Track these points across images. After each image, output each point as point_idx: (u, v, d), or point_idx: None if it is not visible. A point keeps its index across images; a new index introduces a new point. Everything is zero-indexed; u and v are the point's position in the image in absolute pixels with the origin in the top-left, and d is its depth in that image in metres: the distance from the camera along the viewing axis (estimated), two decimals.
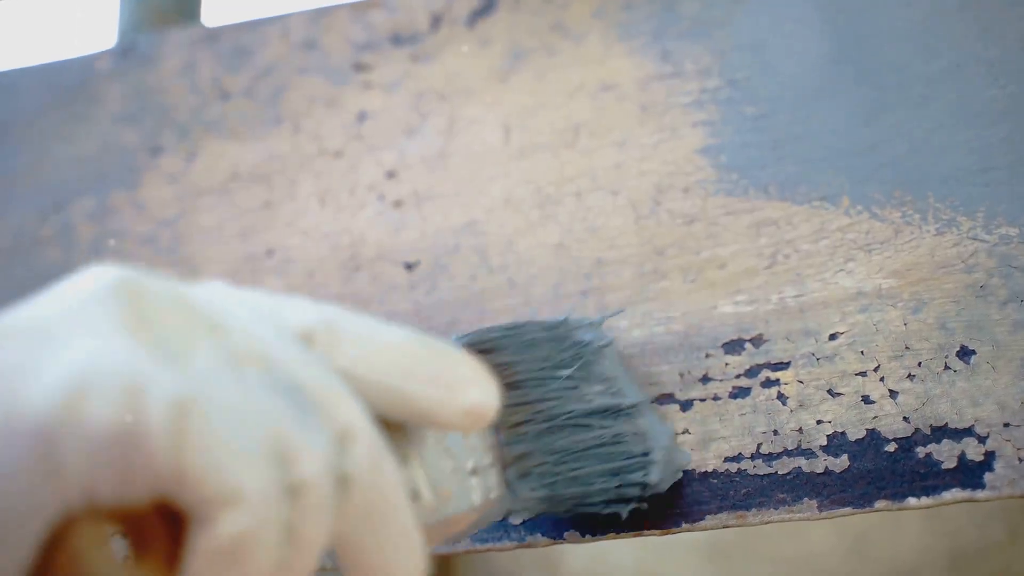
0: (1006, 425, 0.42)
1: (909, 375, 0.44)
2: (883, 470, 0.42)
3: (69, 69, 0.63)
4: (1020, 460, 0.41)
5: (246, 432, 0.26)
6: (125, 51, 0.62)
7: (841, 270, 0.46)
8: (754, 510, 0.43)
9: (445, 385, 0.31)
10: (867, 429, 0.43)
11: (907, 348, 0.44)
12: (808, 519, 0.42)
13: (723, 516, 0.43)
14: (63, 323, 0.26)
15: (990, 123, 0.47)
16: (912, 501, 0.42)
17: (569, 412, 0.41)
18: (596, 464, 0.41)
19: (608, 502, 0.42)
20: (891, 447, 0.43)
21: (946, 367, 0.43)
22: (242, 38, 0.60)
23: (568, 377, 0.42)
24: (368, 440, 0.28)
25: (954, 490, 0.41)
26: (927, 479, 0.42)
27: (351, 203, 0.55)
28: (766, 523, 0.43)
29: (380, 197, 0.54)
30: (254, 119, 0.58)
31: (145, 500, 0.26)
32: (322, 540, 0.27)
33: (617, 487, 0.41)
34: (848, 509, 0.42)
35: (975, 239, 0.45)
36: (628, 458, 0.42)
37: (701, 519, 0.44)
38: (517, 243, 0.51)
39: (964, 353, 0.43)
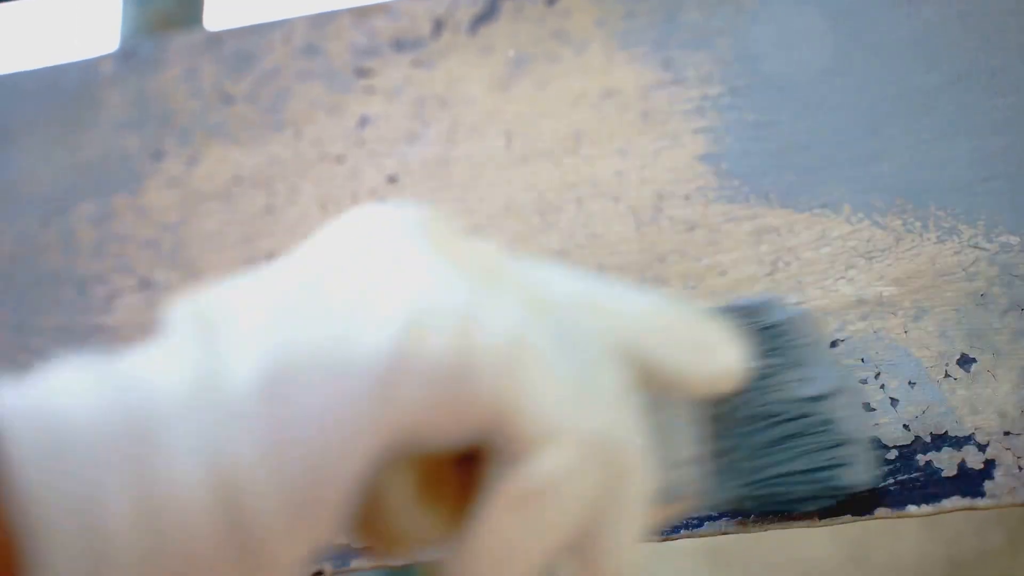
0: (1006, 433, 0.42)
1: (909, 383, 0.44)
2: (883, 477, 0.42)
3: (71, 73, 0.63)
4: (1020, 468, 0.41)
5: (562, 378, 0.26)
6: (127, 55, 0.62)
7: (842, 277, 0.47)
8: (753, 517, 0.43)
9: (697, 348, 0.30)
10: (867, 437, 0.43)
11: (907, 356, 0.44)
12: (807, 526, 0.42)
13: (722, 523, 0.43)
14: (386, 256, 0.26)
15: (991, 132, 0.47)
16: (912, 509, 0.42)
17: (771, 402, 0.38)
18: (796, 461, 0.39)
19: (803, 500, 0.40)
20: (891, 454, 0.43)
21: (946, 375, 0.43)
22: (244, 43, 0.60)
23: (773, 364, 0.39)
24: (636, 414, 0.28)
25: (954, 498, 0.41)
26: (927, 487, 0.42)
27: (352, 208, 0.55)
28: (765, 530, 0.43)
29: (381, 202, 0.54)
30: (256, 124, 0.58)
31: (457, 442, 0.26)
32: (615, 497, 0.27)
33: (816, 485, 0.39)
34: (848, 516, 0.42)
35: (976, 247, 0.45)
36: (828, 452, 0.39)
37: (700, 526, 0.44)
38: (518, 249, 0.51)
39: (964, 361, 0.44)
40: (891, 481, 0.42)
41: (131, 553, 0.23)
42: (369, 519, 0.27)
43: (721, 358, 0.31)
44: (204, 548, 0.23)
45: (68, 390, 0.24)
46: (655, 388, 0.30)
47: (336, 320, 0.25)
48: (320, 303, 0.25)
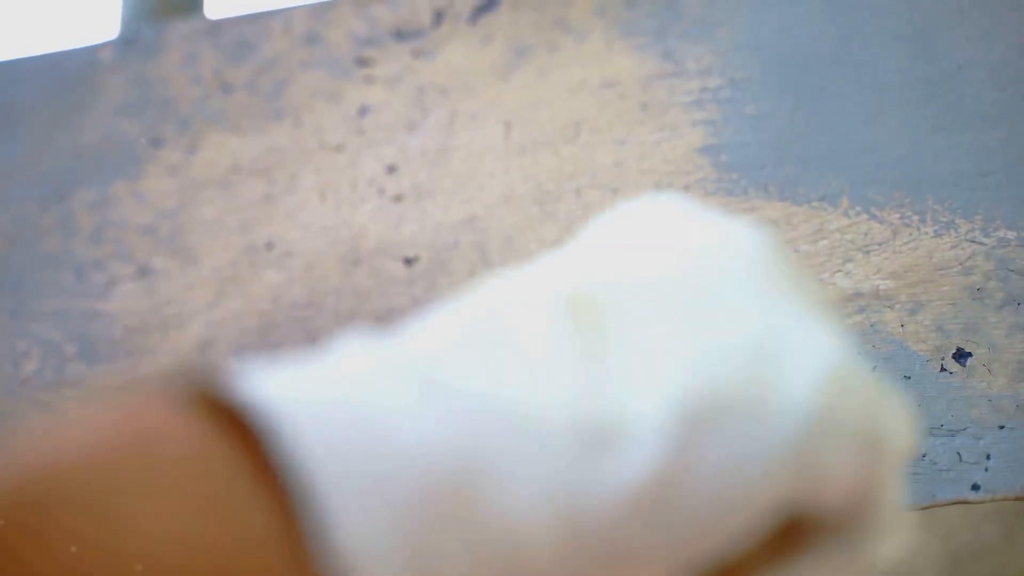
0: (1001, 427, 0.42)
1: (905, 376, 0.44)
2: None
3: (71, 59, 0.63)
4: (1014, 462, 0.41)
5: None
6: (127, 42, 0.62)
7: (839, 271, 0.47)
8: None
9: (902, 423, 0.26)
10: None
11: (904, 349, 0.44)
12: None
13: None
14: (777, 297, 0.23)
15: (990, 126, 0.47)
16: (908, 502, 0.42)
17: None
18: None
19: None
20: None
21: (942, 369, 0.44)
22: (245, 31, 0.60)
23: None
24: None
25: (949, 492, 0.41)
26: (922, 480, 0.42)
27: (351, 197, 0.55)
28: None
29: (380, 192, 0.54)
30: (255, 112, 0.58)
31: (825, 510, 0.23)
32: None
33: None
34: None
35: (973, 242, 0.45)
36: None
37: None
38: (516, 239, 0.51)
39: (960, 355, 0.44)
40: None
41: None
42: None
43: (904, 434, 0.26)
44: (538, 568, 0.21)
45: (381, 393, 0.20)
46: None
47: (752, 363, 0.22)
48: (727, 335, 0.23)
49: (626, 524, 0.21)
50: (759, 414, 0.22)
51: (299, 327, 0.53)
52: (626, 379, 0.21)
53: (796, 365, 0.22)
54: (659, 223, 0.25)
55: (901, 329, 0.45)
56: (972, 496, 0.41)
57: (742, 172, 0.50)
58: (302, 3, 0.60)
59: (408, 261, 0.52)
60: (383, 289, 0.52)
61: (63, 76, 0.62)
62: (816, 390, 0.22)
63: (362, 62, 0.58)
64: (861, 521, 0.24)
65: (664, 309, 0.23)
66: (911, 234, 0.46)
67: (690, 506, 0.21)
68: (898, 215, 0.47)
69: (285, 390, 0.20)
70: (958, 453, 0.42)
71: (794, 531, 0.25)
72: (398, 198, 0.54)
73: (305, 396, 0.20)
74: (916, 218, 0.46)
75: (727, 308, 0.23)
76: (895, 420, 0.24)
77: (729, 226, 0.24)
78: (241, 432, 0.20)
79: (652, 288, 0.23)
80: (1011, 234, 0.45)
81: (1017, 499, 0.41)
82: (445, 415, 0.20)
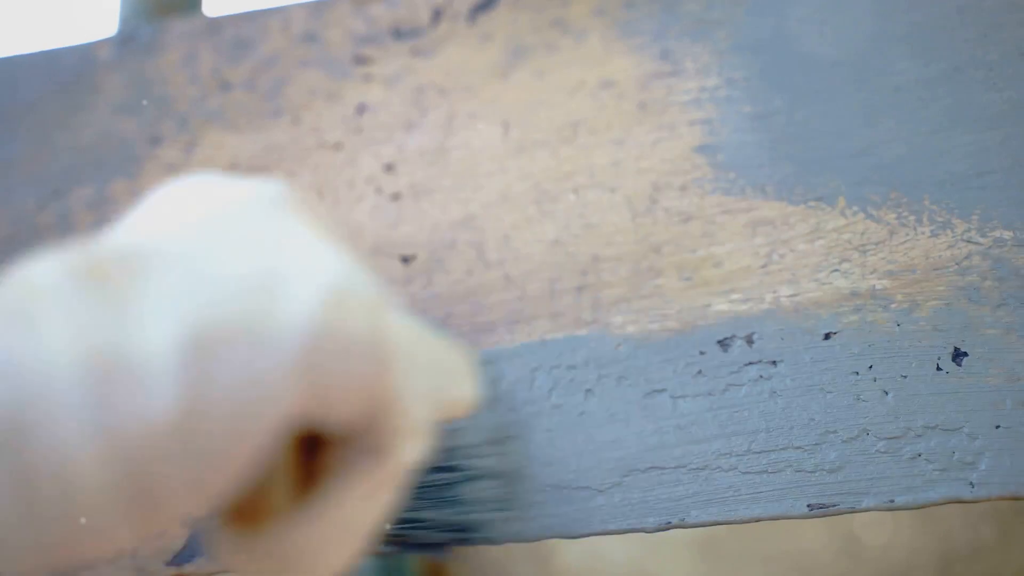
0: (996, 427, 0.42)
1: (902, 375, 0.44)
2: (873, 470, 0.43)
3: (69, 57, 0.63)
4: (1010, 462, 0.41)
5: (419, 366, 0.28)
6: (126, 40, 0.62)
7: (836, 270, 0.47)
8: (744, 507, 0.43)
9: (462, 377, 0.33)
10: (859, 428, 0.43)
11: (900, 348, 0.44)
12: (798, 517, 0.43)
13: (713, 512, 0.44)
14: (280, 233, 0.26)
15: (987, 127, 0.47)
16: (901, 501, 0.42)
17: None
18: (426, 511, 0.42)
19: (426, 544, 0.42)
20: (881, 446, 0.43)
21: (938, 368, 0.44)
22: (243, 29, 0.60)
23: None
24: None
25: (943, 491, 0.42)
26: (917, 479, 0.42)
27: (349, 196, 0.55)
28: (756, 520, 0.43)
29: (378, 190, 0.54)
30: (254, 111, 0.58)
31: (347, 420, 0.26)
32: None
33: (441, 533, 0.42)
34: (838, 508, 0.42)
35: (969, 241, 0.46)
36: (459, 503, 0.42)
37: (691, 516, 0.44)
38: (514, 239, 0.51)
39: (957, 355, 0.44)
40: (881, 473, 0.43)
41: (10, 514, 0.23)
42: (248, 492, 0.27)
43: (463, 386, 0.33)
44: (91, 501, 0.23)
45: None
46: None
47: (253, 292, 0.25)
48: (229, 271, 0.25)
49: (160, 454, 0.23)
50: (262, 338, 0.24)
51: None
52: (139, 322, 0.24)
53: (295, 291, 0.25)
54: (185, 195, 0.28)
55: (897, 328, 0.45)
56: (967, 495, 0.41)
57: (739, 171, 0.50)
58: (301, 2, 0.60)
59: (405, 259, 0.53)
60: None
61: (61, 74, 0.62)
62: (315, 311, 0.25)
63: (360, 61, 0.58)
64: (378, 430, 0.27)
65: (176, 261, 0.25)
66: (908, 234, 0.46)
67: (209, 432, 0.24)
68: (895, 215, 0.47)
69: None
70: (953, 452, 0.42)
71: (319, 450, 0.28)
72: (396, 197, 0.54)
73: None
74: (913, 218, 0.47)
75: (230, 250, 0.25)
76: (404, 332, 0.27)
77: (243, 186, 0.28)
78: None
79: (168, 243, 0.26)
80: (1007, 234, 0.45)
81: (1013, 498, 0.41)
82: None
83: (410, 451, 0.27)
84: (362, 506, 0.27)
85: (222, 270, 0.25)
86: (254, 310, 0.24)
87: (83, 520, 0.23)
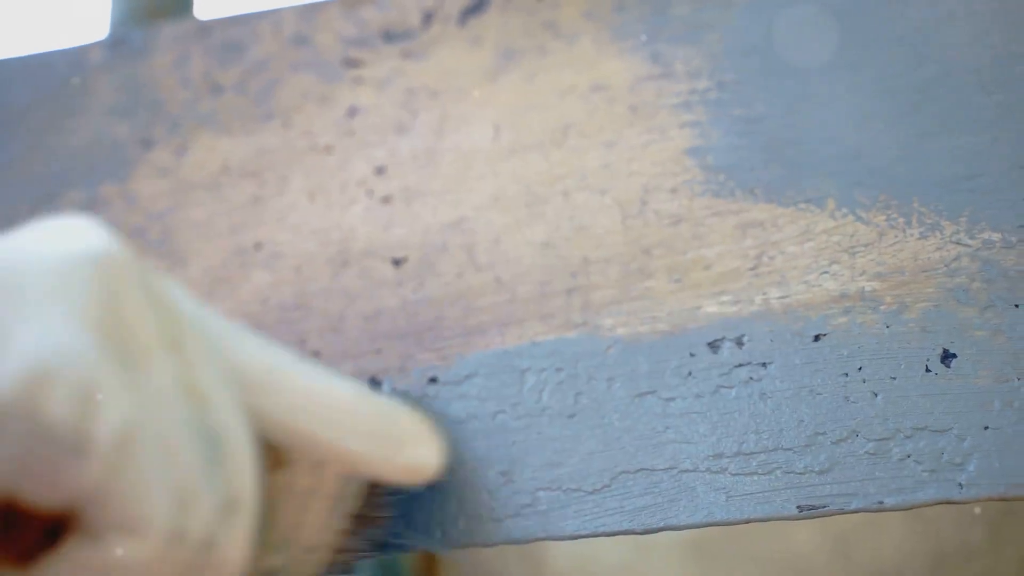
0: (985, 428, 0.42)
1: (891, 377, 0.44)
2: (863, 471, 0.43)
3: (60, 60, 0.63)
4: (998, 463, 0.42)
5: (169, 470, 0.26)
6: (117, 43, 0.62)
7: (825, 272, 0.47)
8: (735, 509, 0.43)
9: (387, 442, 0.32)
10: (847, 430, 0.44)
11: (889, 350, 0.45)
12: (788, 519, 0.43)
13: (704, 514, 0.44)
14: (39, 287, 0.25)
15: (978, 130, 0.47)
16: (890, 502, 0.42)
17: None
18: None
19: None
20: (871, 448, 0.43)
21: (927, 369, 0.44)
22: (234, 32, 0.60)
23: None
24: (246, 518, 0.28)
25: (932, 492, 0.42)
26: (907, 480, 0.42)
27: (340, 199, 0.55)
28: (747, 522, 0.43)
29: (369, 193, 0.55)
30: (245, 114, 0.58)
31: (49, 504, 0.25)
32: None
33: None
34: (827, 509, 0.42)
35: (958, 243, 0.46)
36: None
37: (682, 517, 0.44)
38: (504, 241, 0.51)
39: (945, 356, 0.44)
40: (870, 475, 0.43)
41: None
42: None
43: (410, 452, 0.33)
44: None
45: None
46: (344, 469, 0.31)
47: None
48: None
49: None
50: None
51: (288, 328, 0.53)
52: None
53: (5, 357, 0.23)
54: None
55: (887, 330, 0.45)
56: (957, 496, 0.41)
57: (729, 174, 0.50)
58: (291, 5, 0.60)
59: (397, 262, 0.53)
60: (372, 290, 0.52)
61: (51, 78, 0.62)
62: (7, 387, 0.23)
63: (351, 63, 0.58)
64: (86, 519, 0.25)
65: None
66: (897, 236, 0.47)
67: None
68: (884, 217, 0.47)
69: None
70: (942, 453, 0.42)
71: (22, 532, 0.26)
72: (387, 200, 0.54)
73: None
74: (902, 220, 0.47)
75: None
76: (322, 399, 0.28)
77: (54, 245, 0.27)
78: None
79: None
80: (996, 236, 0.45)
81: (1002, 499, 0.42)
82: None
83: (130, 550, 0.26)
84: None
85: None
86: None
87: None
